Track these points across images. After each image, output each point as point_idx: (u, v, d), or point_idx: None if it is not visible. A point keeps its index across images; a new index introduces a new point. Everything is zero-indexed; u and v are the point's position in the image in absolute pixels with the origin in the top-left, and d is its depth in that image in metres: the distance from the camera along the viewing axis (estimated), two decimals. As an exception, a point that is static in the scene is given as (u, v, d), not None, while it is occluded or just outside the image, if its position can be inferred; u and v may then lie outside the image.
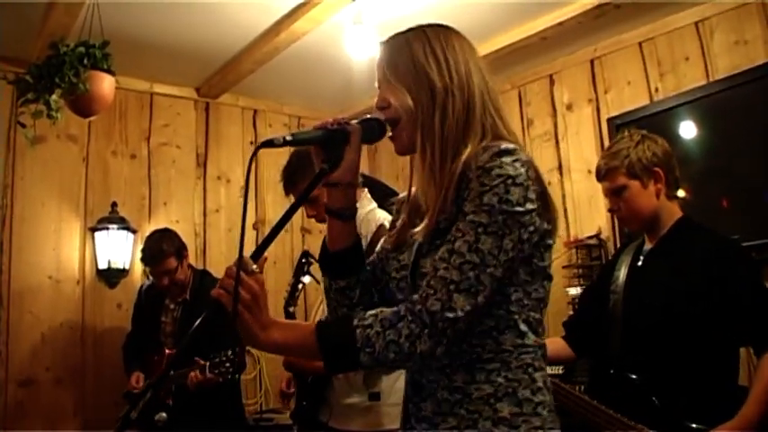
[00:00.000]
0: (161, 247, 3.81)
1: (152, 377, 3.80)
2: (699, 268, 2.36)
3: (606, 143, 4.20)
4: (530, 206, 1.36)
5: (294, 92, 5.36)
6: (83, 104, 3.52)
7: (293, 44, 4.27)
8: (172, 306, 3.94)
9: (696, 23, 4.02)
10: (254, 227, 5.28)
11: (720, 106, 3.78)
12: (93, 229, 4.58)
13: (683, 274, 2.38)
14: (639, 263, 2.56)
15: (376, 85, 1.58)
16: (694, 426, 2.24)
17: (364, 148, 1.60)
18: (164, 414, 3.48)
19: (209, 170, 5.21)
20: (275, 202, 5.29)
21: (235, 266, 1.32)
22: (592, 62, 4.59)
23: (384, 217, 2.54)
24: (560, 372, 3.70)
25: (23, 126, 3.48)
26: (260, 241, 1.40)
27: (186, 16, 4.00)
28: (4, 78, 4.08)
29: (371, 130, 1.52)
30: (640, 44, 4.30)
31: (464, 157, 1.42)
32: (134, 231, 4.67)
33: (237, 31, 4.23)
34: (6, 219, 4.34)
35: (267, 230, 1.41)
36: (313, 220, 2.90)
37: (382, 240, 1.68)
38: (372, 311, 1.38)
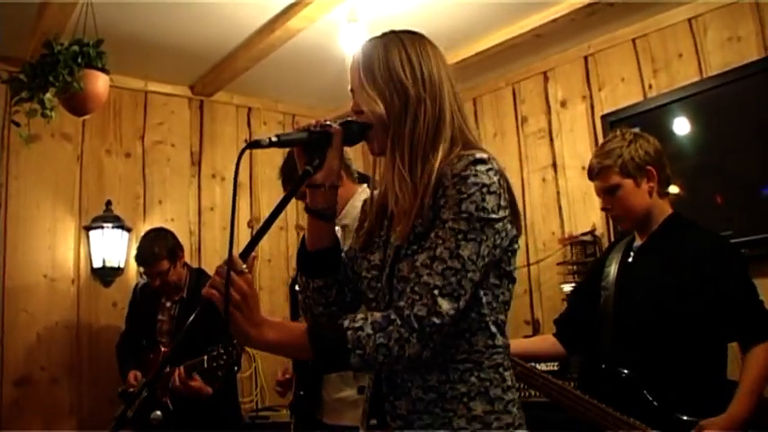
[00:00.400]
0: (153, 250, 3.80)
1: (149, 375, 3.80)
2: (688, 264, 2.39)
3: (600, 140, 4.20)
4: (502, 213, 1.44)
5: (288, 89, 5.36)
6: (77, 103, 3.52)
7: (288, 42, 4.27)
8: (168, 304, 3.93)
9: (689, 20, 4.02)
10: (249, 225, 5.28)
11: (714, 103, 3.79)
12: (88, 228, 4.57)
13: (672, 270, 2.41)
14: (630, 259, 2.59)
15: (349, 87, 1.62)
16: (685, 418, 2.26)
17: (362, 146, 1.64)
18: (158, 413, 3.48)
19: (204, 168, 5.21)
20: (270, 200, 5.29)
21: (224, 266, 1.37)
22: (585, 59, 4.59)
23: None
24: (555, 368, 3.72)
25: (18, 125, 3.48)
26: (249, 240, 1.44)
27: (180, 14, 4.00)
28: (-2, 77, 4.08)
29: (352, 133, 1.55)
30: (634, 41, 4.31)
31: (436, 163, 1.48)
32: (129, 230, 4.67)
33: (232, 28, 4.23)
34: (0, 218, 4.33)
35: (257, 229, 1.43)
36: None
37: (351, 241, 1.72)
38: (362, 314, 1.41)
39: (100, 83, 3.54)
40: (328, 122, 1.53)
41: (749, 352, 2.28)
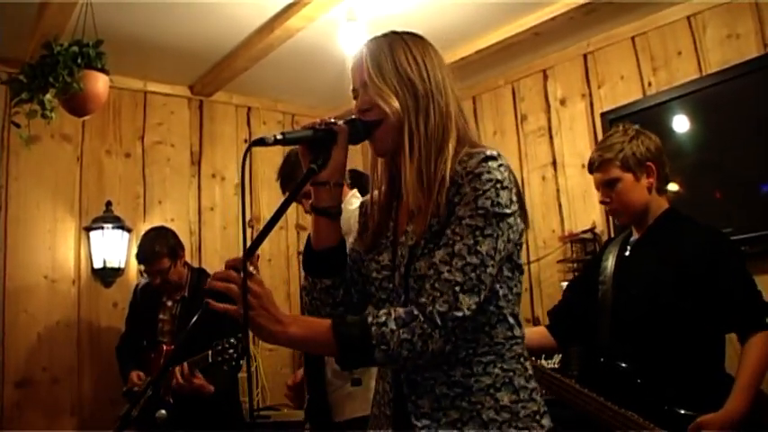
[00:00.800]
0: (154, 248, 3.81)
1: (151, 375, 3.80)
2: (685, 258, 2.40)
3: (600, 138, 4.20)
4: (514, 207, 1.47)
5: (288, 89, 5.36)
6: (77, 104, 3.52)
7: (287, 41, 4.28)
8: (170, 303, 3.94)
9: (688, 18, 4.03)
10: (249, 224, 5.28)
11: (713, 100, 3.79)
12: (88, 229, 4.58)
13: (670, 263, 2.42)
14: (627, 253, 2.60)
15: (351, 87, 1.62)
16: (683, 412, 2.27)
17: (362, 146, 1.64)
18: (163, 411, 3.48)
19: (204, 168, 5.21)
20: (270, 199, 5.29)
21: (224, 268, 1.39)
22: (585, 57, 4.59)
23: None
24: (556, 365, 3.72)
25: (18, 126, 3.48)
26: (254, 239, 1.44)
27: (180, 14, 4.00)
28: (-2, 78, 4.08)
29: (357, 131, 1.56)
30: (633, 39, 4.31)
31: (448, 161, 1.49)
32: (129, 230, 4.67)
33: (231, 28, 4.23)
34: (1, 219, 4.33)
35: (261, 227, 1.43)
36: (308, 216, 2.91)
37: (352, 242, 1.71)
38: (384, 310, 1.43)
39: (100, 83, 3.54)
40: (333, 121, 1.54)
41: (747, 342, 2.30)
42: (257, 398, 5.01)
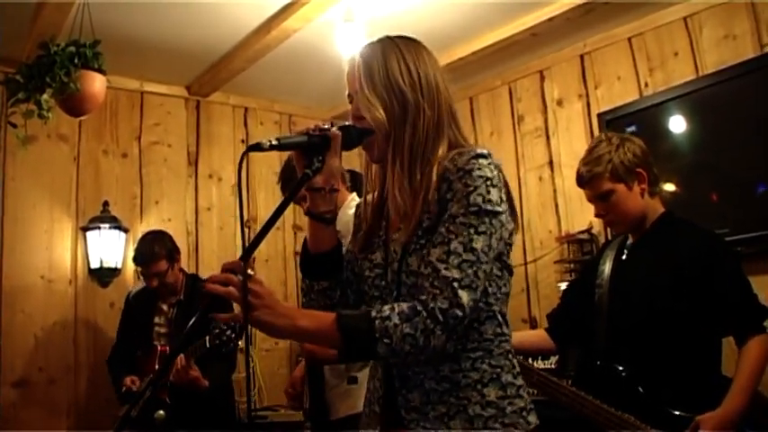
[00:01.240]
0: (153, 249, 3.83)
1: (144, 377, 3.79)
2: (681, 261, 2.41)
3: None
4: (504, 206, 1.49)
5: (285, 90, 5.36)
6: (74, 104, 3.52)
7: (284, 42, 4.28)
8: (165, 307, 3.94)
9: (685, 19, 4.03)
10: (246, 225, 5.27)
11: (709, 101, 3.79)
12: (85, 229, 4.57)
13: (666, 267, 2.42)
14: (624, 257, 2.60)
15: (347, 92, 1.64)
16: (680, 414, 2.28)
17: (360, 149, 1.66)
18: (162, 412, 3.48)
19: (201, 168, 5.21)
20: (266, 200, 5.30)
21: (225, 270, 1.39)
22: (581, 58, 4.60)
23: None
24: (553, 366, 3.73)
25: (14, 126, 3.48)
26: (251, 239, 1.45)
27: (177, 15, 4.00)
28: (-6, 78, 4.08)
29: (351, 137, 1.57)
30: (629, 39, 4.31)
31: (435, 164, 1.51)
32: (126, 230, 4.67)
33: (228, 29, 4.23)
34: (-3, 219, 4.33)
35: (258, 228, 1.44)
36: (306, 217, 2.93)
37: (345, 246, 1.73)
38: (388, 305, 1.44)
39: (97, 83, 3.54)
40: (327, 126, 1.55)
41: (744, 346, 2.30)
42: (254, 398, 5.01)
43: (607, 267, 2.63)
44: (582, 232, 4.36)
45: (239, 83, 5.01)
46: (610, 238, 3.75)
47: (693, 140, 3.91)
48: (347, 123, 1.59)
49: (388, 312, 1.41)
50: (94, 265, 4.56)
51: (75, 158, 4.67)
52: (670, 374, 2.35)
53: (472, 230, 1.44)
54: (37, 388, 4.30)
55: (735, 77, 3.69)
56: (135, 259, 3.98)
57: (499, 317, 1.55)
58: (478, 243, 1.44)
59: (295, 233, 5.46)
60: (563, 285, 4.20)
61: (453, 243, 1.44)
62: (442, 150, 1.55)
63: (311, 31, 4.17)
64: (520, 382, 1.54)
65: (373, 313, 1.42)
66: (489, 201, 1.45)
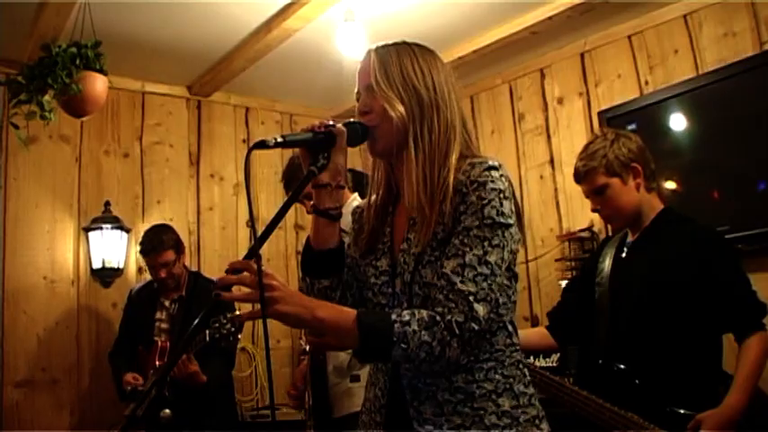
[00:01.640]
0: (161, 239, 3.88)
1: (145, 373, 3.81)
2: (681, 258, 2.41)
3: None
4: (514, 218, 1.51)
5: (286, 89, 5.36)
6: (76, 105, 3.53)
7: (285, 42, 4.28)
8: (167, 303, 3.96)
9: (684, 16, 4.04)
10: (247, 224, 5.29)
11: (709, 98, 3.80)
12: (87, 229, 4.58)
13: (665, 264, 2.43)
14: (623, 255, 2.61)
15: (355, 90, 1.64)
16: (682, 412, 2.28)
17: (360, 148, 1.67)
18: (168, 411, 3.48)
19: (202, 168, 5.22)
20: (269, 199, 5.30)
21: (227, 270, 1.39)
22: (582, 56, 4.61)
23: None
24: (555, 364, 3.74)
25: (16, 127, 3.48)
26: (253, 240, 1.44)
27: (177, 15, 4.01)
28: (-4, 80, 4.08)
29: (356, 133, 1.57)
30: (629, 37, 4.32)
31: (451, 170, 1.52)
32: (128, 230, 4.68)
33: (229, 29, 4.24)
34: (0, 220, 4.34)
35: (261, 228, 1.44)
36: (308, 217, 2.95)
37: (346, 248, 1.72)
38: (408, 310, 1.44)
39: (98, 84, 3.55)
40: (332, 123, 1.55)
41: (744, 343, 2.31)
42: (257, 397, 5.03)
43: (607, 265, 2.64)
44: (583, 230, 4.37)
45: (240, 83, 5.01)
46: (611, 235, 3.77)
47: (694, 138, 3.91)
48: (351, 120, 1.59)
49: (408, 318, 1.41)
50: (96, 265, 4.56)
51: (76, 159, 4.68)
52: (671, 372, 2.36)
53: (486, 243, 1.46)
54: (40, 388, 4.31)
55: (735, 75, 3.69)
56: (142, 250, 3.97)
57: (509, 327, 1.57)
58: (492, 256, 1.45)
59: (297, 233, 5.47)
60: (564, 283, 4.22)
61: (468, 256, 1.45)
62: (455, 153, 1.55)
63: (312, 31, 4.17)
64: (531, 391, 1.56)
65: (393, 316, 1.41)
66: (502, 213, 1.47)
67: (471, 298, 1.42)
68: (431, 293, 1.48)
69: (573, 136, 4.60)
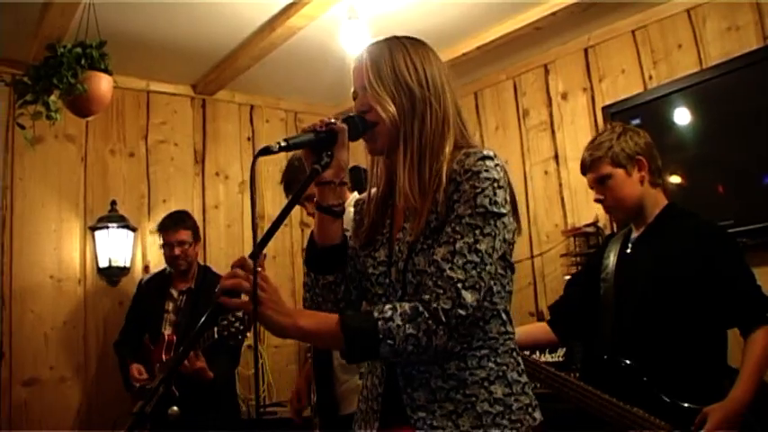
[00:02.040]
0: (182, 217, 4.03)
1: (151, 366, 3.83)
2: (685, 254, 2.42)
3: (602, 132, 4.22)
4: (508, 208, 1.53)
5: (290, 87, 5.37)
6: (81, 105, 3.54)
7: (288, 40, 4.29)
8: (175, 294, 3.98)
9: (688, 11, 4.03)
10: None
11: (714, 92, 3.79)
12: (94, 228, 4.60)
13: (670, 259, 2.44)
14: (628, 250, 2.61)
15: (352, 89, 1.66)
16: (687, 406, 2.29)
17: (361, 142, 1.67)
18: (176, 408, 3.50)
19: (208, 167, 5.24)
20: (273, 197, 5.31)
21: (234, 266, 1.41)
22: (586, 51, 4.60)
23: None
24: (560, 359, 3.74)
25: (22, 127, 3.49)
26: (259, 237, 1.46)
27: (181, 14, 4.02)
28: (2, 80, 4.08)
29: (356, 127, 1.59)
30: (633, 32, 4.31)
31: (444, 162, 1.53)
32: (134, 229, 4.70)
33: (233, 27, 4.25)
34: (6, 219, 4.36)
35: (266, 226, 1.45)
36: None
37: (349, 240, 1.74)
38: (389, 305, 1.45)
39: (103, 84, 3.56)
40: (332, 120, 1.56)
41: (749, 337, 2.31)
42: (263, 394, 5.04)
43: (611, 261, 2.64)
44: (588, 225, 4.36)
45: (244, 81, 5.03)
46: (616, 230, 3.77)
47: (698, 132, 3.91)
48: (350, 114, 1.61)
49: (390, 313, 1.43)
50: (103, 264, 4.58)
51: (82, 158, 4.70)
52: (676, 367, 2.37)
53: (477, 232, 1.47)
54: (47, 386, 4.33)
55: (739, 69, 3.68)
56: (161, 226, 4.09)
57: (503, 315, 1.58)
58: (483, 244, 1.46)
59: (302, 230, 5.48)
60: (567, 280, 4.23)
61: (458, 243, 1.46)
62: (449, 146, 1.57)
63: (315, 29, 4.18)
64: (524, 379, 1.57)
65: (376, 314, 1.43)
66: (495, 203, 1.48)
67: (459, 285, 1.43)
68: (422, 280, 1.49)
69: (577, 131, 4.60)
